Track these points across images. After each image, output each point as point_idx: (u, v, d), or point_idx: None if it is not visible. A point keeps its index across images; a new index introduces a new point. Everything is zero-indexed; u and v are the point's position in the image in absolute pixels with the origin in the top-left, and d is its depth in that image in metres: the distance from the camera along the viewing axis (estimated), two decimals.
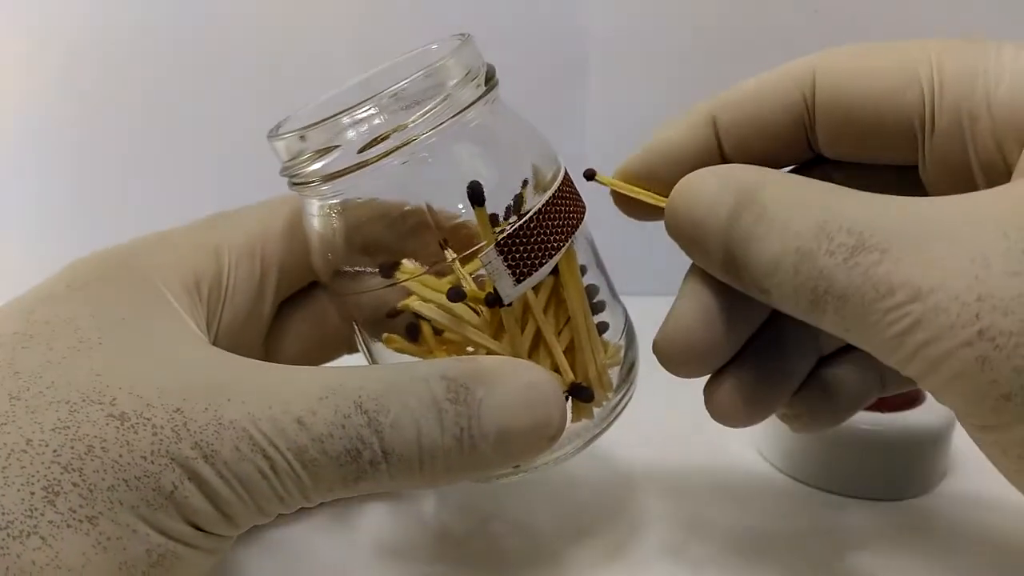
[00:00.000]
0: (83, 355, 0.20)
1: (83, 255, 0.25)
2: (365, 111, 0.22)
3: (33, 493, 0.18)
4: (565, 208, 0.23)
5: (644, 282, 0.38)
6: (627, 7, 0.51)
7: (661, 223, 0.24)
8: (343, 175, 0.22)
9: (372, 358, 0.26)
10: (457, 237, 0.23)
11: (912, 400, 0.33)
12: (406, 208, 0.24)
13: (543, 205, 0.23)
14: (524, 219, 0.22)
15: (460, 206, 0.23)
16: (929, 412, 0.32)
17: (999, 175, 0.21)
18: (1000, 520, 0.30)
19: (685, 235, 0.23)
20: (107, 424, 0.19)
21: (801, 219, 0.20)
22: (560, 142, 0.26)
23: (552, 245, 0.23)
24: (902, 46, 0.23)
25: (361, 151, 0.22)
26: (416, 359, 0.25)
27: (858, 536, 0.30)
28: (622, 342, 0.26)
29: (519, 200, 0.24)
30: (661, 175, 0.25)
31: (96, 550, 0.18)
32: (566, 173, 0.25)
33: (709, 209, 0.22)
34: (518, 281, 0.22)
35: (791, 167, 0.26)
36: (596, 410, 0.25)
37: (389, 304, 0.25)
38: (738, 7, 0.50)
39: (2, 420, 0.19)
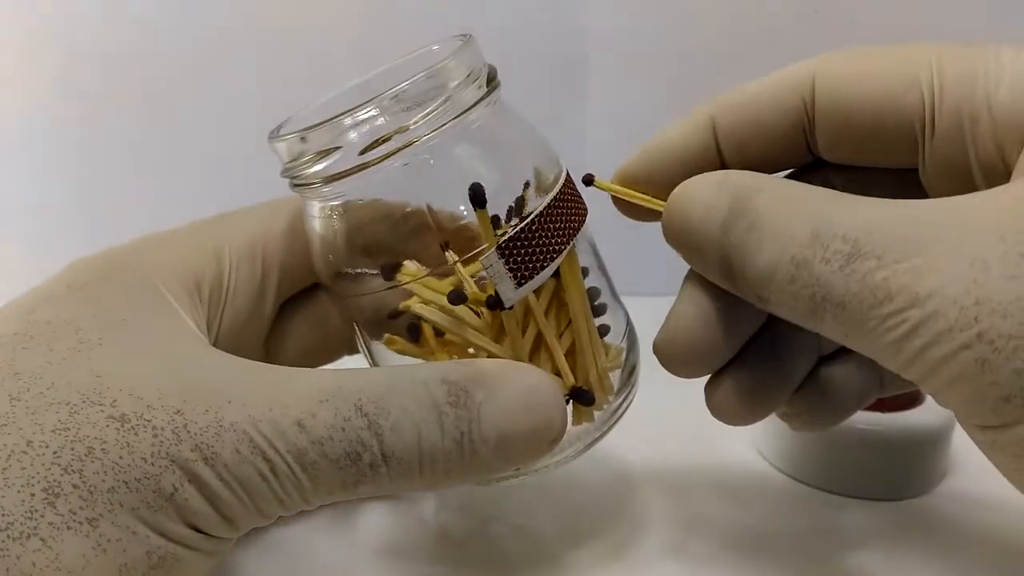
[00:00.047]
0: (83, 356, 0.20)
1: (83, 255, 0.25)
2: (366, 112, 0.22)
3: (33, 495, 0.18)
4: (567, 211, 0.23)
5: (645, 282, 0.38)
6: (627, 7, 0.51)
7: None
8: (344, 176, 0.22)
9: (373, 359, 0.26)
10: (459, 239, 0.23)
11: (912, 400, 0.33)
12: (407, 210, 0.24)
13: (545, 208, 0.23)
14: (526, 222, 0.22)
15: (462, 208, 0.23)
16: (929, 412, 0.32)
17: (999, 177, 0.21)
18: (1000, 520, 0.30)
19: (682, 243, 0.23)
20: (107, 426, 0.19)
21: (795, 227, 0.20)
22: (560, 142, 0.26)
23: (554, 248, 0.22)
24: (901, 50, 0.23)
25: (362, 153, 0.22)
26: (417, 361, 0.25)
27: (858, 536, 0.30)
28: (623, 345, 0.26)
29: (521, 202, 0.24)
30: (660, 177, 0.25)
31: (96, 552, 0.18)
32: (568, 175, 0.25)
33: (704, 217, 0.22)
34: (519, 284, 0.22)
35: (791, 171, 0.26)
36: (597, 413, 0.25)
37: (390, 305, 0.24)
38: (738, 7, 0.50)
39: (2, 421, 0.19)
